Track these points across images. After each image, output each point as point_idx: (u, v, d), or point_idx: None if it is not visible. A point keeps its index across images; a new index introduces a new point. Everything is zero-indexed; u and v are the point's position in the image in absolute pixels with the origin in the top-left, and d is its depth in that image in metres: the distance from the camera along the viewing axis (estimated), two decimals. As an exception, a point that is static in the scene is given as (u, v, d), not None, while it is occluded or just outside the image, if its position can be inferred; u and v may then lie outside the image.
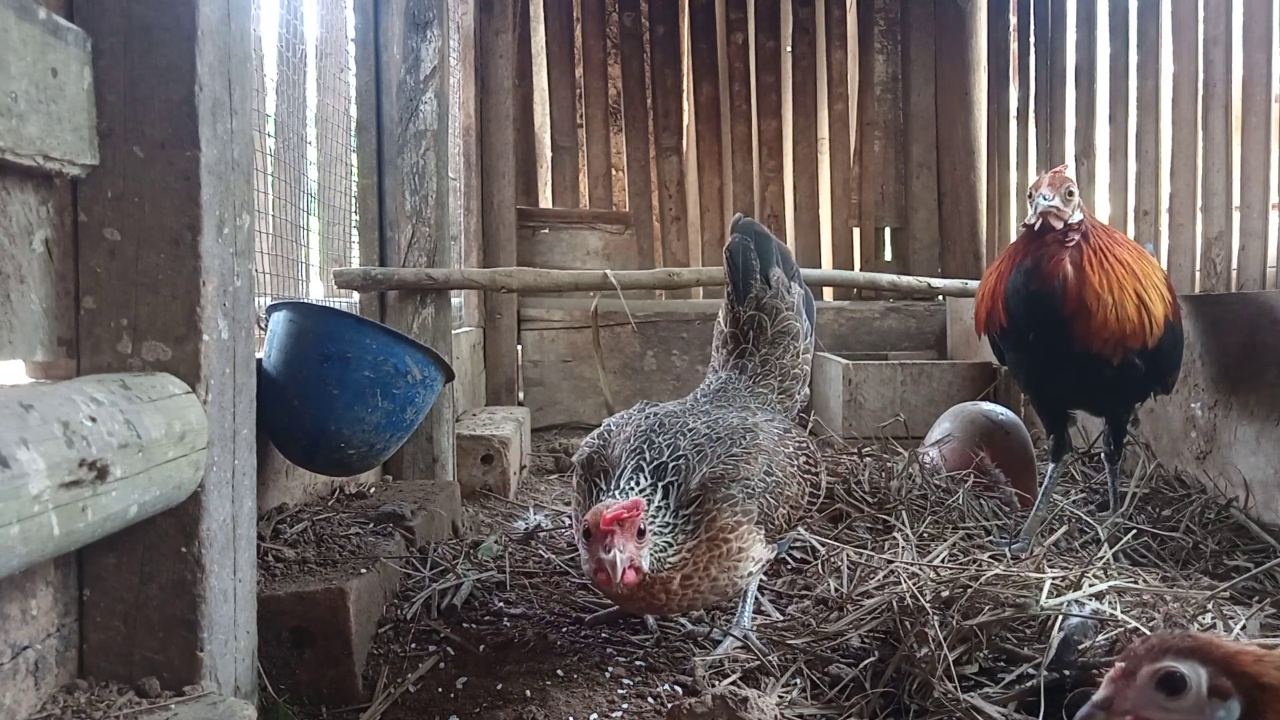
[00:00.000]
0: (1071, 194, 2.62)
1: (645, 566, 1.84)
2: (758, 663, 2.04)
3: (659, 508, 1.91)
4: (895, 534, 2.81)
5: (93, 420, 1.26)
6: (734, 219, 2.65)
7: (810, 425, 4.19)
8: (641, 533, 1.83)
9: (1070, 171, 2.69)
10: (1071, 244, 2.62)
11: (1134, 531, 2.82)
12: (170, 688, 1.51)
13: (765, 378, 2.45)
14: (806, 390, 2.56)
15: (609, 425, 2.22)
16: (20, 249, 1.39)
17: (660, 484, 1.94)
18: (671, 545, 1.89)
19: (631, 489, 1.93)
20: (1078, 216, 2.64)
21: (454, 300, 4.89)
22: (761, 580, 2.61)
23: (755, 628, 2.24)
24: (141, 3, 1.48)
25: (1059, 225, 2.61)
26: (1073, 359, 2.66)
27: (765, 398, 2.41)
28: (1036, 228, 2.62)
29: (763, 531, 2.03)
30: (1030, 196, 2.66)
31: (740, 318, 2.49)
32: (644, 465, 1.98)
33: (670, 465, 1.97)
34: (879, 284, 4.41)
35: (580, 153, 6.70)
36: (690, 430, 2.09)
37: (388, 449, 2.47)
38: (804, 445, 2.28)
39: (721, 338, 2.56)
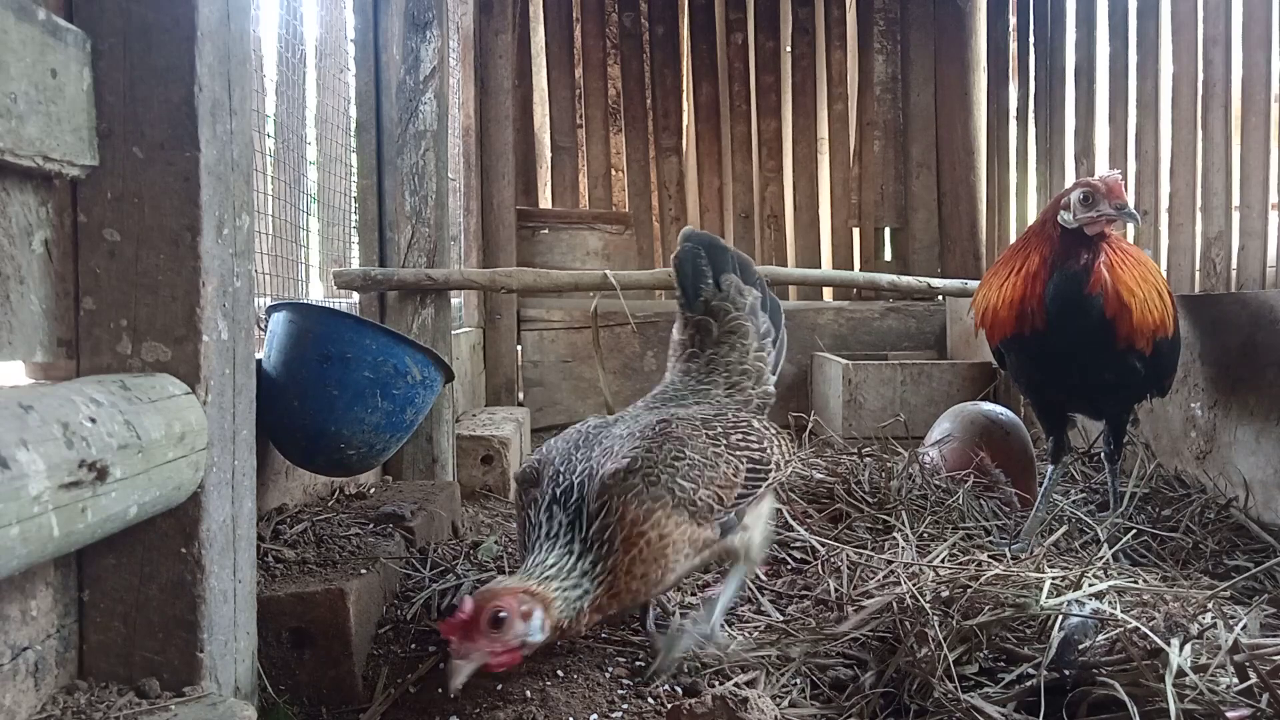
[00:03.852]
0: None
1: (537, 638, 1.78)
2: (751, 667, 2.04)
3: (568, 553, 1.88)
4: (895, 534, 2.81)
5: (92, 421, 1.26)
6: (683, 230, 2.64)
7: (810, 426, 4.19)
8: (499, 621, 1.73)
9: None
10: (1102, 247, 2.66)
11: (1134, 531, 2.82)
12: (170, 688, 1.51)
13: (710, 375, 2.44)
14: (768, 388, 2.52)
15: (551, 441, 2.21)
16: (20, 250, 1.39)
17: (568, 517, 1.92)
18: (586, 588, 1.86)
19: (544, 527, 1.93)
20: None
21: (454, 301, 4.89)
22: (761, 580, 2.61)
23: (754, 628, 2.24)
24: (141, 3, 1.48)
25: (1108, 232, 2.66)
26: (1109, 356, 2.69)
27: (709, 393, 2.40)
28: (1090, 233, 2.64)
29: (685, 514, 1.98)
30: (1089, 200, 2.61)
31: (689, 322, 2.51)
32: (558, 492, 1.97)
33: (577, 484, 1.96)
34: (879, 284, 4.41)
35: (580, 153, 6.70)
36: (608, 437, 2.08)
37: (387, 449, 2.47)
38: (740, 424, 2.25)
39: (674, 346, 2.57)
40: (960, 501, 3.03)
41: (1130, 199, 4.41)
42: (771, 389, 2.54)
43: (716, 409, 2.29)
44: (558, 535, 1.91)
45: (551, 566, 1.86)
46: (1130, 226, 4.34)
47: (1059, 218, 2.68)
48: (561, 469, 2.03)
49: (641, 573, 1.92)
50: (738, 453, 2.15)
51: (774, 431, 2.33)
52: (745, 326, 2.50)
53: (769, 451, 2.25)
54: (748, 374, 2.47)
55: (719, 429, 2.18)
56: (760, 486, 2.20)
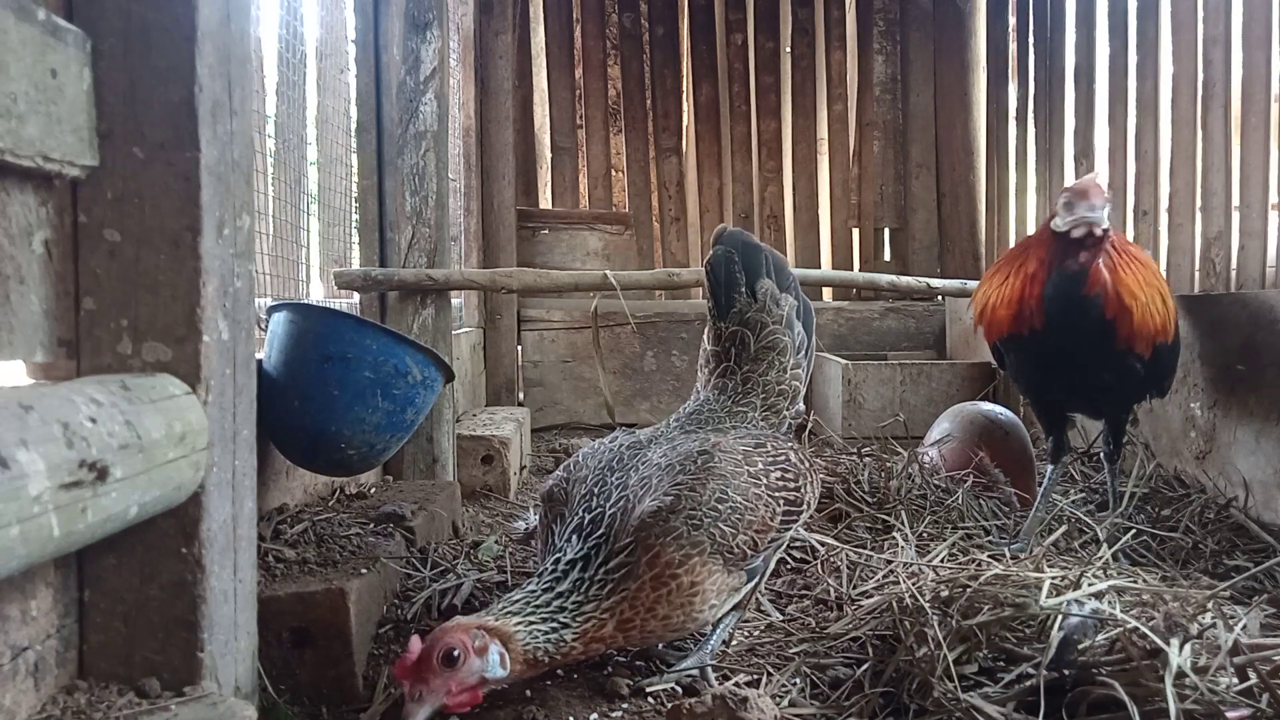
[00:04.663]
0: (1108, 199, 2.68)
1: (498, 673, 1.73)
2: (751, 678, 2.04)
3: (549, 587, 1.84)
4: (895, 534, 2.81)
5: (93, 421, 1.26)
6: (717, 230, 2.51)
7: (810, 426, 4.19)
8: (452, 659, 1.67)
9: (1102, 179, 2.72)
10: (1103, 252, 2.65)
11: (1133, 531, 2.82)
12: (170, 688, 1.51)
13: (746, 396, 2.34)
14: (800, 406, 2.44)
15: (580, 456, 2.18)
16: (20, 250, 1.39)
17: (585, 547, 1.89)
18: (565, 623, 1.80)
19: (558, 551, 1.91)
20: (1106, 223, 2.67)
21: (454, 301, 4.90)
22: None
23: (754, 628, 2.24)
24: (141, 3, 1.48)
25: (1098, 233, 2.64)
26: (1108, 358, 2.68)
27: (745, 416, 2.31)
28: (1075, 236, 2.63)
29: (720, 561, 1.94)
30: (1069, 205, 2.63)
31: (723, 334, 2.39)
32: (586, 518, 1.93)
33: (609, 514, 1.92)
34: (878, 284, 4.41)
35: (580, 153, 6.71)
36: (645, 463, 2.04)
37: (388, 449, 2.47)
38: (780, 458, 2.16)
39: (705, 357, 2.46)
40: (960, 501, 3.03)
41: (1130, 199, 4.43)
42: (802, 406, 2.46)
43: (756, 438, 2.20)
44: (560, 564, 1.88)
45: (518, 601, 1.81)
46: (1131, 226, 4.36)
47: (1052, 223, 2.70)
48: (596, 490, 1.99)
49: (664, 614, 1.89)
50: (776, 494, 2.09)
51: (809, 465, 2.26)
52: (782, 341, 2.39)
53: (803, 490, 2.18)
54: (784, 394, 2.38)
55: (760, 465, 2.10)
56: (791, 529, 2.15)
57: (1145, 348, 2.68)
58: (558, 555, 1.90)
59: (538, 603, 1.82)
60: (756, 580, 2.19)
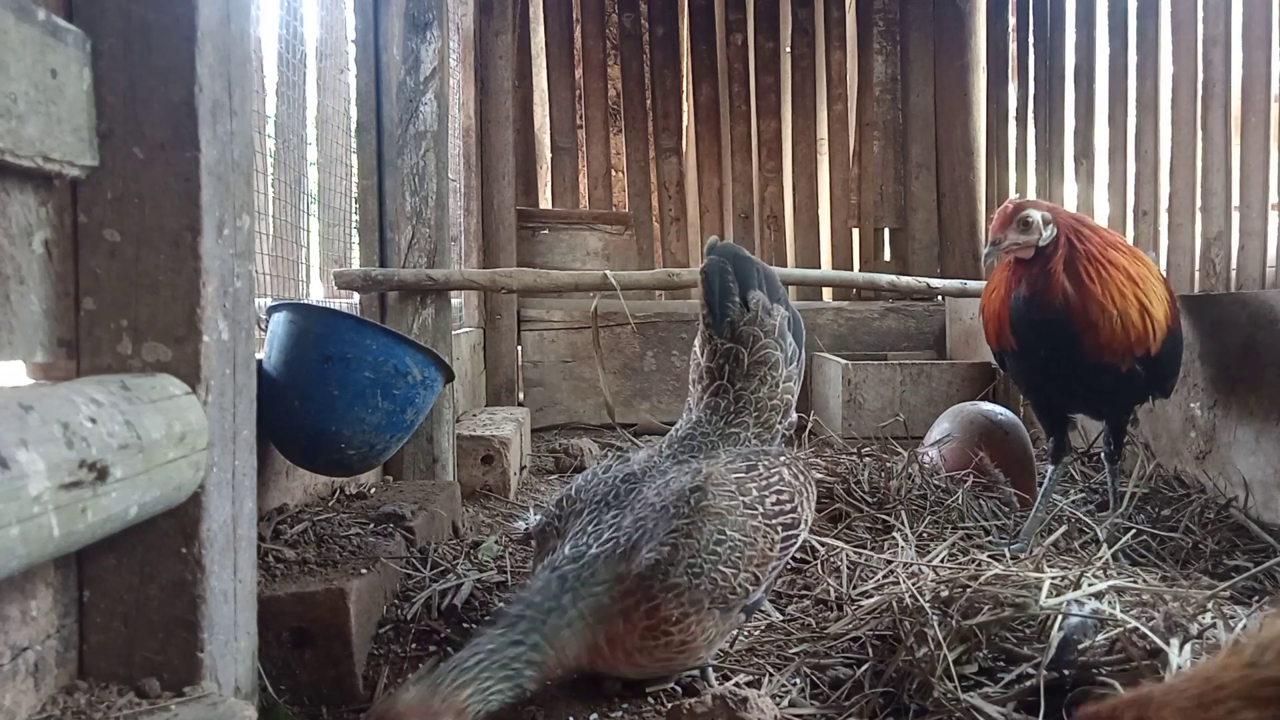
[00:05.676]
0: (1028, 222, 2.61)
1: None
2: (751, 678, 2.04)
3: (517, 639, 1.73)
4: (895, 534, 2.81)
5: (93, 421, 1.26)
6: (709, 241, 2.49)
7: (809, 426, 4.19)
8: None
9: (1026, 197, 2.72)
10: (1062, 261, 2.62)
11: (1133, 531, 2.82)
12: (170, 688, 1.51)
13: (740, 415, 2.29)
14: (793, 418, 2.41)
15: (572, 489, 2.12)
16: (20, 250, 1.39)
17: (562, 589, 1.81)
18: (531, 660, 1.71)
19: (536, 594, 1.83)
20: (1049, 234, 2.62)
21: (454, 301, 4.90)
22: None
23: (757, 629, 2.24)
24: (141, 3, 1.48)
25: (1029, 255, 2.64)
26: (1085, 370, 2.68)
27: (738, 436, 2.26)
28: (1010, 264, 2.66)
29: (716, 613, 1.89)
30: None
31: (718, 349, 2.34)
32: (564, 555, 1.88)
33: (602, 558, 1.86)
34: (878, 284, 4.41)
35: (580, 153, 6.70)
36: (640, 501, 1.99)
37: (388, 449, 2.47)
38: (774, 479, 2.11)
39: (698, 371, 2.41)
40: (960, 501, 3.03)
41: (1130, 199, 4.43)
42: (795, 418, 2.44)
43: (747, 459, 2.15)
44: (537, 609, 1.78)
45: (473, 665, 1.67)
46: (1131, 226, 4.36)
47: None
48: (589, 529, 1.94)
49: (642, 662, 1.86)
50: (773, 520, 2.03)
51: (803, 479, 2.21)
52: (774, 356, 2.35)
53: (800, 510, 2.13)
54: (777, 409, 2.35)
55: (755, 493, 2.04)
56: (789, 552, 2.11)
57: (1119, 359, 2.64)
58: (537, 600, 1.81)
59: (501, 657, 1.70)
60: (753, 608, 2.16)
